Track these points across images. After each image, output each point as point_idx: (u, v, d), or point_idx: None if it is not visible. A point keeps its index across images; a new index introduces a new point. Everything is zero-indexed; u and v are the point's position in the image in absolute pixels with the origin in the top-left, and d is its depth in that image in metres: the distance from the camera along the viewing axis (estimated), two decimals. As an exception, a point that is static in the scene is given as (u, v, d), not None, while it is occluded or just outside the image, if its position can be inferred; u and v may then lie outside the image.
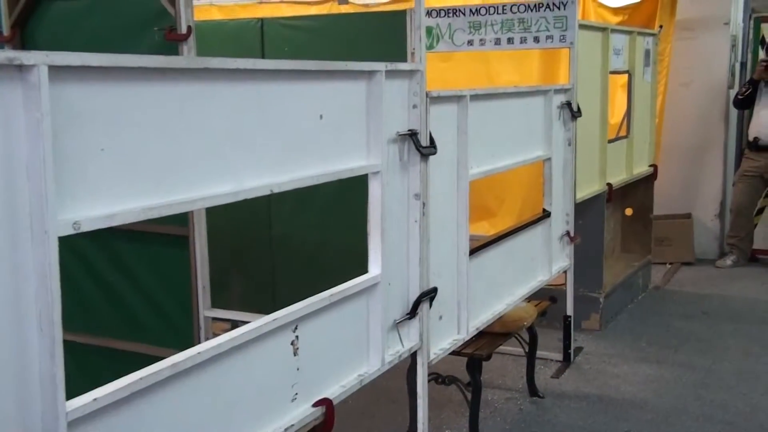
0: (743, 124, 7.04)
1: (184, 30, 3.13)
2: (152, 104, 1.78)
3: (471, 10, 4.74)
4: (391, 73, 2.70)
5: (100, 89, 1.63)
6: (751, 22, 6.97)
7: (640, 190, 6.13)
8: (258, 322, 2.14)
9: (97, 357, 3.64)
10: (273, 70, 2.21)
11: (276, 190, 2.20)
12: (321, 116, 2.41)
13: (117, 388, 1.68)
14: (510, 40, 4.66)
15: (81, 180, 1.59)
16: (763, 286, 6.27)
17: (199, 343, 2.43)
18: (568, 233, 4.47)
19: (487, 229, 5.92)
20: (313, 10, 7.13)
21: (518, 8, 4.59)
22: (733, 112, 7.00)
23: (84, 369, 3.32)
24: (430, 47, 4.85)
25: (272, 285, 4.52)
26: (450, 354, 3.29)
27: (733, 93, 6.93)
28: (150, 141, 1.78)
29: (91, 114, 1.62)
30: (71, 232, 1.55)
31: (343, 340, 2.57)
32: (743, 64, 7.02)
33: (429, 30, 4.82)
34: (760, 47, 7.02)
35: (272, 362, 2.21)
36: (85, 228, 1.59)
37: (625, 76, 5.71)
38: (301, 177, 2.32)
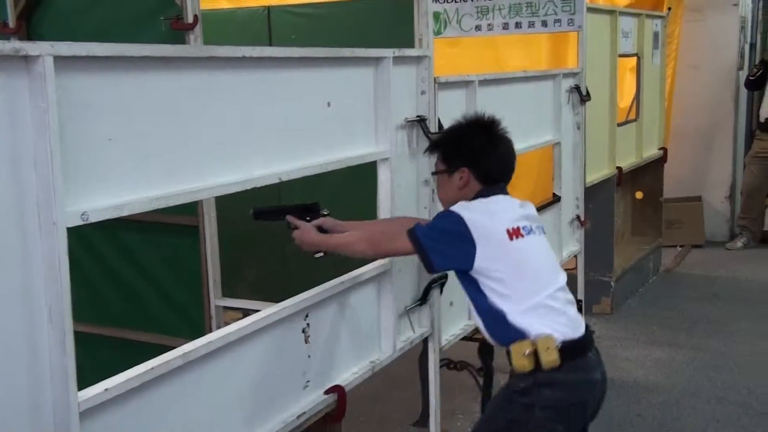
0: (753, 106, 6.99)
1: (190, 19, 3.12)
2: (159, 93, 1.77)
3: (479, -5, 4.71)
4: (398, 60, 2.69)
5: (107, 79, 1.63)
6: (761, 2, 6.91)
7: (649, 173, 6.10)
8: (268, 311, 2.13)
9: (108, 348, 3.66)
10: (280, 58, 2.20)
11: (284, 179, 2.19)
12: (329, 103, 2.40)
13: (128, 378, 1.68)
14: (518, 25, 4.63)
15: (89, 170, 1.59)
16: (772, 268, 6.25)
17: (211, 332, 2.43)
18: (578, 217, 4.45)
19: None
20: (320, -3, 7.10)
21: (526, -9, 4.56)
22: (743, 94, 6.95)
23: (95, 360, 3.32)
24: (437, 33, 4.83)
25: (283, 273, 4.52)
26: (461, 339, 3.28)
27: (743, 75, 6.87)
28: (157, 130, 1.78)
29: (98, 104, 1.61)
30: (79, 222, 1.55)
31: (354, 327, 2.57)
32: (753, 45, 6.96)
33: (437, 15, 4.79)
34: (769, 28, 6.96)
35: (283, 350, 2.21)
36: (94, 219, 1.58)
37: (634, 60, 5.67)
38: (309, 165, 2.31)
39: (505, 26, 4.67)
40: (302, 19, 4.31)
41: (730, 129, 6.93)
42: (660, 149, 6.12)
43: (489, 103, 3.37)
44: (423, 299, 2.87)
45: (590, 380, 2.27)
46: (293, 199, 4.10)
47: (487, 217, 2.26)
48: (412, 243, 2.27)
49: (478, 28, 4.74)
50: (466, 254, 2.22)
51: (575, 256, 4.53)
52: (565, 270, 4.72)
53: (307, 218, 2.49)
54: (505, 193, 2.42)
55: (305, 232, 2.42)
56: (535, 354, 2.18)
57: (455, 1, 4.78)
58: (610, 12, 5.14)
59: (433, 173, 2.55)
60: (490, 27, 4.71)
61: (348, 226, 2.53)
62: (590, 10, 4.61)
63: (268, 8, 4.37)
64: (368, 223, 2.63)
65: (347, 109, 2.49)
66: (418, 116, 2.81)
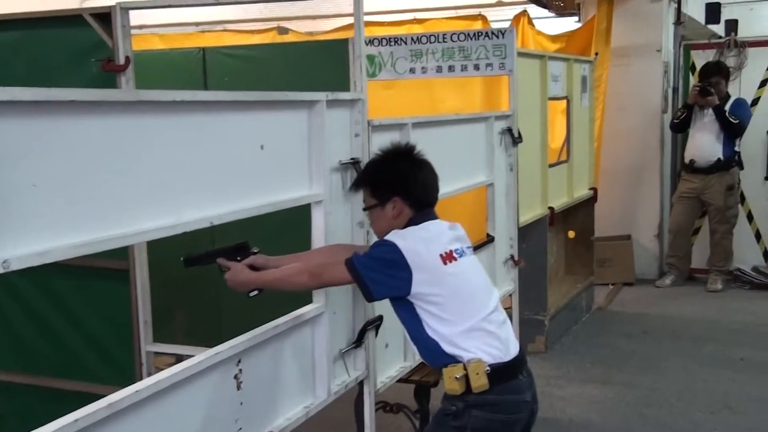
0: (678, 147, 7.25)
1: (122, 61, 3.10)
2: (86, 138, 1.74)
3: (412, 39, 4.80)
4: (332, 103, 2.71)
5: (32, 124, 1.60)
6: (681, 49, 7.21)
7: (581, 212, 6.25)
8: (199, 357, 2.10)
9: (34, 397, 3.53)
10: (212, 102, 2.19)
11: (216, 222, 2.18)
12: (262, 146, 2.40)
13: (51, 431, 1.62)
14: (451, 68, 4.72)
15: (10, 217, 1.55)
16: (699, 304, 6.42)
17: (142, 379, 2.37)
18: (512, 257, 4.52)
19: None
20: (256, 39, 7.13)
21: (458, 37, 4.66)
22: (668, 136, 7.21)
23: (21, 410, 3.21)
24: (372, 75, 4.89)
25: (218, 317, 4.45)
26: (397, 381, 3.28)
27: (666, 117, 7.13)
28: (85, 175, 1.75)
29: (22, 149, 1.58)
30: (0, 271, 1.51)
31: (288, 372, 2.54)
32: (675, 90, 7.24)
33: (371, 58, 4.86)
34: (690, 73, 7.26)
35: (215, 398, 2.17)
36: (15, 266, 1.54)
37: (564, 102, 5.84)
38: (242, 208, 2.30)
39: (439, 69, 4.76)
40: (237, 61, 4.31)
41: (656, 169, 7.16)
42: (590, 189, 6.28)
43: (423, 145, 3.38)
44: (358, 342, 2.86)
45: (520, 401, 2.36)
46: (228, 242, 4.06)
47: (421, 244, 2.33)
48: (350, 272, 2.32)
49: (412, 70, 4.81)
50: (403, 281, 2.29)
51: (510, 296, 4.58)
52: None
53: (238, 258, 2.48)
54: (435, 217, 2.49)
55: (237, 272, 2.43)
56: (466, 378, 2.27)
57: (390, 45, 4.86)
58: (540, 57, 5.30)
59: (364, 209, 2.58)
60: (424, 70, 4.79)
61: (281, 260, 2.55)
62: (520, 54, 4.73)
63: (204, 50, 4.36)
64: (302, 255, 2.64)
65: (281, 152, 2.49)
66: (352, 159, 2.83)
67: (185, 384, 2.03)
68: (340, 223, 2.79)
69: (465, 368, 2.27)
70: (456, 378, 2.27)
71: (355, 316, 2.88)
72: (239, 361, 2.26)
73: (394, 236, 2.36)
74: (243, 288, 2.43)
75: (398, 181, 2.45)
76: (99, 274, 3.31)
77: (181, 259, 2.47)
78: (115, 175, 1.83)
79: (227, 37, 7.32)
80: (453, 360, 2.30)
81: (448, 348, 2.31)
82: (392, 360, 3.22)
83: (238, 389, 2.26)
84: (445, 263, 2.32)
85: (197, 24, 7.91)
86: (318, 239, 2.68)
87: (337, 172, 2.77)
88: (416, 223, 2.41)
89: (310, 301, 2.68)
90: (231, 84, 4.13)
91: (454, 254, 2.35)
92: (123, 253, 3.15)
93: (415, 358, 3.37)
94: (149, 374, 3.08)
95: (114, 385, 2.09)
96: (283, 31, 7.27)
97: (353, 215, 2.88)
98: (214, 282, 4.39)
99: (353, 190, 2.64)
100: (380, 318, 2.96)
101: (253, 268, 2.46)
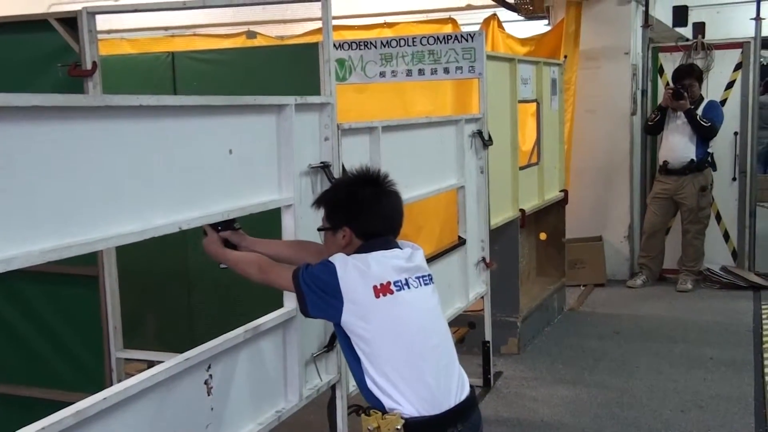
0: (647, 149, 7.33)
1: (89, 66, 3.07)
2: (51, 144, 1.73)
3: (382, 43, 4.81)
4: (301, 107, 2.71)
5: (-6, 129, 1.58)
6: (650, 52, 7.30)
7: (552, 214, 6.30)
8: (168, 363, 2.09)
9: (2, 405, 3.48)
10: (179, 106, 2.19)
11: (185, 227, 2.17)
12: (230, 151, 2.39)
13: (17, 440, 1.61)
14: (421, 71, 4.74)
15: (-27, 224, 1.53)
16: (670, 304, 6.50)
17: (112, 385, 2.35)
18: (483, 259, 4.54)
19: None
20: (226, 44, 7.11)
21: (428, 40, 4.68)
22: (638, 138, 7.29)
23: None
24: (343, 79, 4.89)
25: (190, 322, 4.43)
26: (369, 385, 3.27)
27: (635, 119, 7.21)
28: (50, 181, 1.73)
29: (-16, 155, 1.56)
30: (-36, 278, 1.49)
31: (259, 377, 2.53)
32: (644, 92, 7.32)
33: (341, 62, 4.86)
34: (658, 76, 7.35)
35: (185, 404, 2.16)
36: (-21, 274, 1.52)
37: (534, 105, 5.88)
38: (211, 213, 2.29)
39: (409, 73, 4.77)
40: (207, 65, 4.29)
41: (626, 171, 7.23)
42: (561, 191, 6.33)
43: (393, 149, 3.43)
44: (330, 345, 2.86)
45: None
46: (197, 248, 4.03)
47: (357, 274, 2.20)
48: (294, 284, 2.26)
49: (382, 74, 4.83)
50: (334, 308, 2.19)
51: (482, 298, 4.61)
52: (473, 312, 4.82)
53: (219, 228, 2.51)
54: (387, 246, 2.32)
55: (210, 241, 2.50)
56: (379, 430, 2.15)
57: (359, 48, 4.87)
58: (510, 60, 5.33)
59: (318, 229, 2.48)
60: (394, 73, 4.81)
61: (254, 244, 2.56)
62: (490, 57, 4.76)
63: (173, 54, 4.34)
64: (273, 243, 2.64)
65: (250, 156, 2.49)
66: (321, 162, 2.83)
67: (155, 390, 2.02)
68: (310, 227, 2.79)
69: (378, 421, 2.14)
70: (369, 430, 2.15)
71: (327, 319, 2.87)
72: (209, 367, 2.25)
73: (339, 259, 2.24)
74: (211, 257, 2.51)
75: (353, 212, 2.33)
76: (68, 281, 3.28)
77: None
78: (80, 181, 1.82)
79: (197, 41, 7.29)
80: (377, 403, 2.18)
81: (373, 388, 2.18)
82: (364, 363, 3.22)
83: (209, 395, 2.25)
84: (377, 296, 2.18)
85: (166, 28, 7.86)
86: (288, 243, 2.67)
87: (306, 176, 2.77)
88: (364, 251, 2.28)
89: (281, 306, 2.68)
90: (200, 88, 4.11)
91: (392, 287, 2.20)
92: (92, 259, 3.12)
93: (388, 361, 3.38)
94: (119, 381, 3.05)
95: (84, 393, 2.07)
96: (252, 35, 7.25)
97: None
98: (185, 287, 4.38)
99: (315, 208, 2.51)
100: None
101: (227, 243, 2.50)
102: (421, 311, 2.28)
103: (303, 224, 2.71)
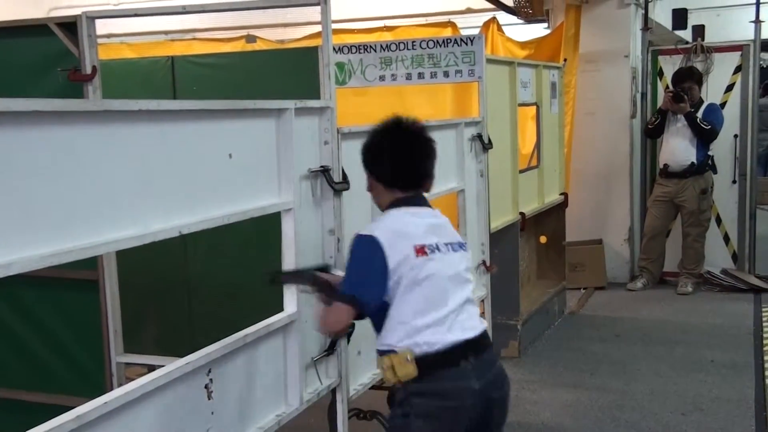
0: (647, 152, 7.33)
1: (88, 70, 3.07)
2: (51, 148, 1.73)
3: (382, 46, 4.81)
4: (300, 111, 2.71)
5: (-7, 134, 1.58)
6: (649, 55, 7.30)
7: (552, 217, 6.29)
8: (169, 367, 2.09)
9: (4, 410, 3.48)
10: (179, 111, 2.19)
11: (184, 232, 2.17)
12: (230, 155, 2.39)
13: (17, 445, 1.61)
14: (420, 75, 4.75)
15: (-27, 229, 1.54)
16: (670, 306, 6.49)
17: (112, 390, 2.35)
18: (484, 263, 4.54)
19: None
20: (226, 48, 7.12)
21: (427, 44, 4.69)
22: (638, 141, 7.29)
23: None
24: (342, 83, 4.89)
25: (190, 326, 4.42)
26: (371, 388, 3.27)
27: (635, 122, 7.22)
28: (49, 186, 1.73)
29: (-16, 160, 1.56)
30: (-37, 283, 1.49)
31: (260, 381, 2.53)
32: (644, 95, 7.33)
33: (341, 66, 4.86)
34: (658, 78, 7.35)
35: (185, 408, 2.16)
36: (-21, 279, 1.52)
37: (534, 108, 5.88)
38: (210, 217, 2.29)
39: (408, 76, 4.78)
40: (207, 69, 4.29)
41: (626, 174, 7.24)
42: (561, 194, 6.33)
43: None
44: (330, 349, 2.86)
45: (462, 388, 2.31)
46: (197, 252, 4.02)
47: (392, 234, 2.33)
48: (341, 301, 2.31)
49: (381, 78, 4.83)
50: (379, 263, 2.29)
51: (482, 301, 4.60)
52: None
53: (314, 274, 2.50)
54: (418, 203, 2.46)
55: (322, 299, 2.45)
56: (393, 368, 2.29)
57: (359, 52, 4.87)
58: (509, 63, 5.34)
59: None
60: (393, 77, 4.81)
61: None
62: (489, 61, 4.77)
63: (172, 58, 4.34)
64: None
65: (249, 160, 2.49)
66: (321, 166, 2.83)
67: (155, 394, 2.02)
68: (310, 230, 2.79)
69: (391, 359, 2.29)
70: (385, 368, 2.31)
71: (327, 323, 2.87)
72: (210, 371, 2.25)
73: (372, 228, 2.38)
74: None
75: (372, 159, 2.47)
76: (68, 285, 3.28)
77: (266, 278, 2.55)
78: (81, 186, 1.82)
79: (196, 45, 7.30)
80: (390, 349, 2.31)
81: (388, 332, 2.33)
82: (365, 367, 3.22)
83: (209, 399, 2.25)
84: (417, 255, 2.32)
85: (167, 32, 7.87)
86: (288, 247, 2.67)
87: (306, 180, 2.77)
88: (398, 207, 2.42)
89: (282, 310, 2.68)
90: (200, 92, 4.11)
91: (426, 249, 2.35)
92: (92, 263, 3.12)
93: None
94: (120, 385, 3.05)
95: (85, 397, 2.07)
96: (251, 39, 7.26)
97: (324, 223, 2.88)
98: (185, 291, 4.38)
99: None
100: (352, 325, 2.95)
101: (328, 284, 2.48)
102: (446, 275, 2.38)
103: (302, 228, 2.71)
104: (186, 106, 2.23)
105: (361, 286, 2.31)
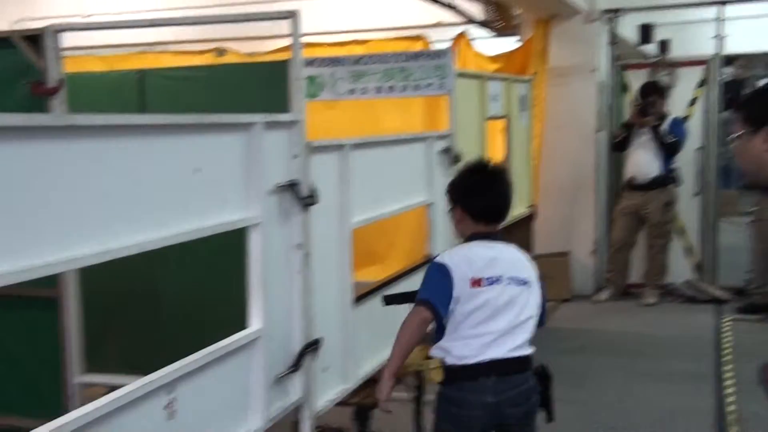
0: (613, 165, 7.42)
1: (54, 84, 3.04)
2: (8, 164, 1.70)
3: (353, 60, 4.82)
4: (269, 125, 2.70)
5: (-48, 151, 1.56)
6: (616, 69, 7.40)
7: (521, 230, 6.32)
8: (128, 387, 2.05)
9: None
10: (144, 125, 2.17)
11: (149, 248, 2.14)
12: (197, 170, 2.37)
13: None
14: (391, 88, 4.75)
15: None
16: (635, 318, 6.56)
17: (71, 411, 2.31)
18: (452, 276, 4.54)
19: (377, 274, 5.92)
20: (196, 61, 7.06)
21: (398, 57, 4.71)
22: (604, 154, 7.38)
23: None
24: (313, 96, 4.88)
25: (156, 344, 4.37)
26: (336, 405, 3.26)
27: (602, 136, 7.30)
28: (8, 202, 1.70)
29: (-58, 178, 1.53)
30: None
31: (223, 400, 2.50)
32: (610, 109, 7.42)
33: (312, 79, 4.86)
34: (624, 92, 7.45)
35: (145, 429, 2.12)
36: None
37: (504, 121, 5.92)
38: (176, 233, 2.27)
39: (379, 90, 4.78)
40: (176, 83, 4.25)
41: (592, 186, 7.31)
42: (529, 207, 6.37)
43: (362, 166, 3.43)
44: (295, 366, 2.84)
45: (478, 401, 2.65)
46: (166, 265, 3.96)
47: (462, 264, 2.70)
48: (419, 304, 2.72)
49: (352, 91, 4.83)
50: (448, 285, 2.68)
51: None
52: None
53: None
54: (494, 238, 2.81)
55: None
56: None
57: (330, 66, 4.87)
58: (479, 77, 5.38)
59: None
60: (364, 90, 4.82)
61: None
62: (459, 75, 4.80)
63: (143, 71, 4.30)
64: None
65: (217, 175, 2.47)
66: (289, 181, 2.82)
67: (114, 415, 1.99)
68: (277, 245, 2.78)
69: (428, 363, 2.70)
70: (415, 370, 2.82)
71: (293, 339, 2.86)
72: (172, 390, 2.22)
73: (444, 256, 2.79)
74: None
75: (463, 192, 2.87)
76: (26, 303, 3.20)
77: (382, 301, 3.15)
78: (40, 202, 1.79)
79: (167, 57, 7.24)
80: (432, 354, 2.74)
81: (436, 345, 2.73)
82: (332, 382, 3.21)
83: (171, 419, 2.22)
84: (473, 286, 2.66)
85: (136, 45, 7.80)
86: (255, 262, 2.66)
87: (274, 194, 2.75)
88: (475, 239, 2.79)
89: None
90: (169, 106, 4.08)
91: (483, 282, 2.67)
92: (52, 281, 3.07)
93: (356, 379, 3.37)
94: (80, 406, 3.00)
95: (44, 419, 2.03)
96: (221, 52, 7.22)
97: (291, 237, 2.86)
98: (152, 306, 4.32)
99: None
100: (317, 341, 2.95)
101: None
102: (497, 304, 2.69)
103: (270, 243, 2.70)
104: (152, 121, 2.21)
105: (433, 297, 2.69)
